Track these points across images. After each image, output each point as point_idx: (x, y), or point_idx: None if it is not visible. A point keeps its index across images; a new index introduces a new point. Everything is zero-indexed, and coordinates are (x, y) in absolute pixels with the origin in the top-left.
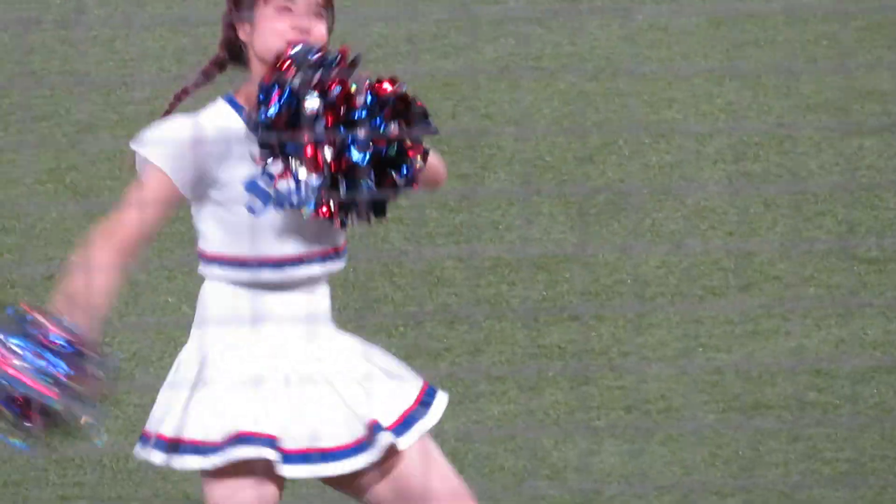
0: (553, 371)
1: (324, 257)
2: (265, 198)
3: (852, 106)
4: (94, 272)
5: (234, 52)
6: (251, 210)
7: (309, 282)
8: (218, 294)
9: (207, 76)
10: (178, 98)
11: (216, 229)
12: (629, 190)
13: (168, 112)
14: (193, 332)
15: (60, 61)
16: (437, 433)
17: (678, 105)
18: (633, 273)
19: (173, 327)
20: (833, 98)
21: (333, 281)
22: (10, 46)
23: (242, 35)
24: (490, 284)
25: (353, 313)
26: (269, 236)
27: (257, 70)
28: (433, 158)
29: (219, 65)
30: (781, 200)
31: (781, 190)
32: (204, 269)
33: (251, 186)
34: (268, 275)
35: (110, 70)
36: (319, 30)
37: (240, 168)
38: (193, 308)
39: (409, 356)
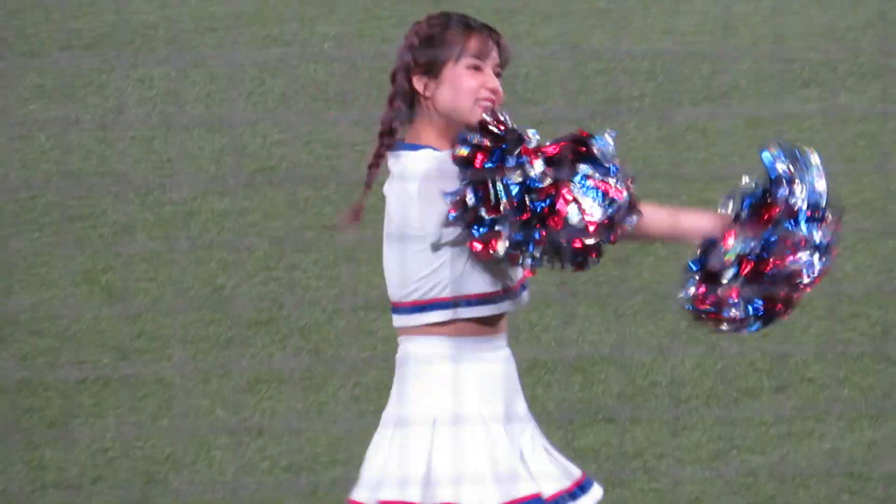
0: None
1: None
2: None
3: (889, 207)
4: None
5: (412, 107)
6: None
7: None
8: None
9: (392, 135)
10: (373, 171)
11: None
12: (666, 291)
13: (369, 180)
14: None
15: (98, 161)
16: None
17: (715, 206)
18: (669, 375)
19: (207, 431)
20: (870, 198)
21: (370, 383)
22: (47, 146)
23: (421, 88)
24: (526, 386)
25: None
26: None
27: (436, 124)
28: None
29: (401, 119)
30: (817, 302)
31: (816, 292)
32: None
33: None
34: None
35: (148, 170)
36: (501, 91)
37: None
38: (228, 411)
39: None
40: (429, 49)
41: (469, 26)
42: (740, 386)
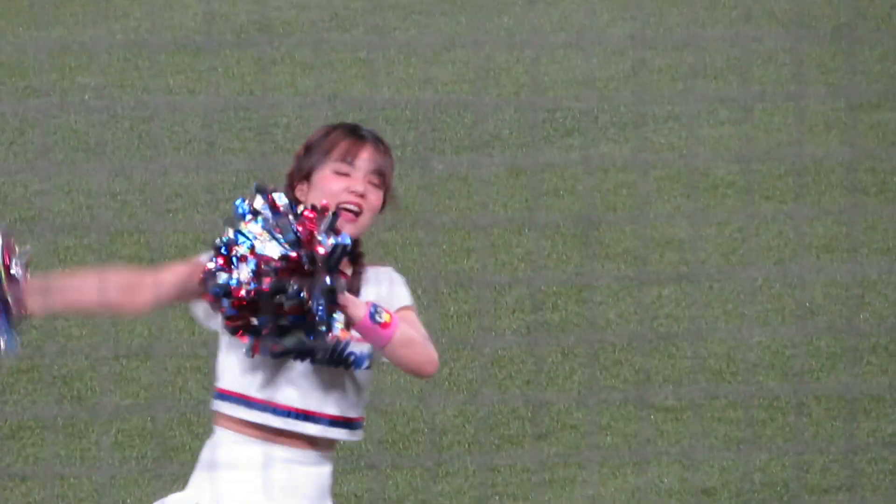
0: None
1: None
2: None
3: (650, 255)
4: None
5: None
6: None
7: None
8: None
9: None
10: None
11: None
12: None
13: None
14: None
15: None
16: None
17: (476, 254)
18: (430, 422)
19: None
20: (631, 247)
21: (133, 430)
22: None
23: (299, 194)
24: None
25: (150, 462)
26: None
27: None
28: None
29: None
30: (579, 350)
31: (579, 339)
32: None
33: None
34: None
35: None
36: (374, 197)
37: None
38: None
39: None
40: (304, 156)
41: (347, 133)
42: (502, 433)
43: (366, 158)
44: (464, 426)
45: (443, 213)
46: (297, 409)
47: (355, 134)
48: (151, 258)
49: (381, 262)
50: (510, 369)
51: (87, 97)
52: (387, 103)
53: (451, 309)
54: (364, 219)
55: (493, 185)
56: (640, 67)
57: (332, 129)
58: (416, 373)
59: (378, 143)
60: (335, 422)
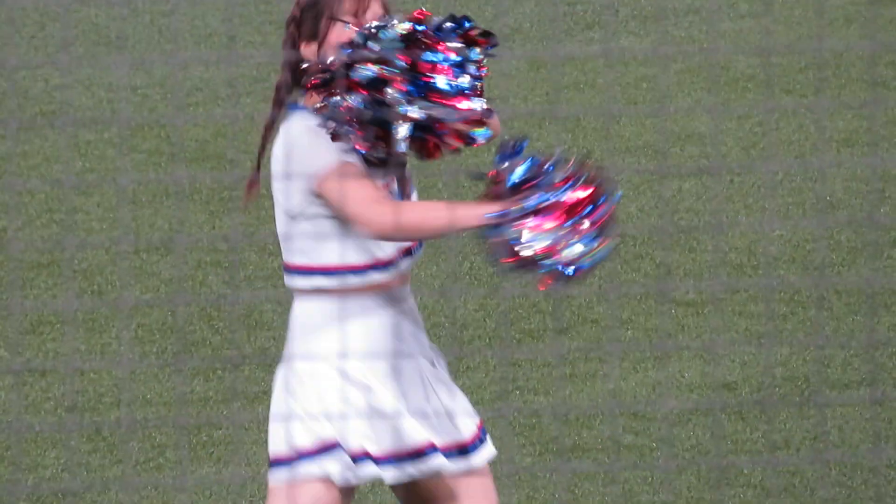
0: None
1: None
2: None
3: (671, 149)
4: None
5: (296, 76)
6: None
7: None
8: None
9: (281, 104)
10: (265, 136)
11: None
12: None
13: (262, 146)
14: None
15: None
16: None
17: (496, 148)
18: (451, 316)
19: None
20: (652, 141)
21: (153, 324)
22: None
23: (309, 54)
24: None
25: (170, 356)
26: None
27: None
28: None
29: (287, 89)
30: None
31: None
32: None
33: None
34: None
35: None
36: None
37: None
38: (11, 352)
39: (226, 399)
40: (309, 14)
41: None
42: (523, 327)
43: (374, 9)
44: (484, 320)
45: None
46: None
47: None
48: (172, 152)
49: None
50: None
51: None
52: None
53: None
54: None
55: (514, 79)
56: None
57: None
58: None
59: None
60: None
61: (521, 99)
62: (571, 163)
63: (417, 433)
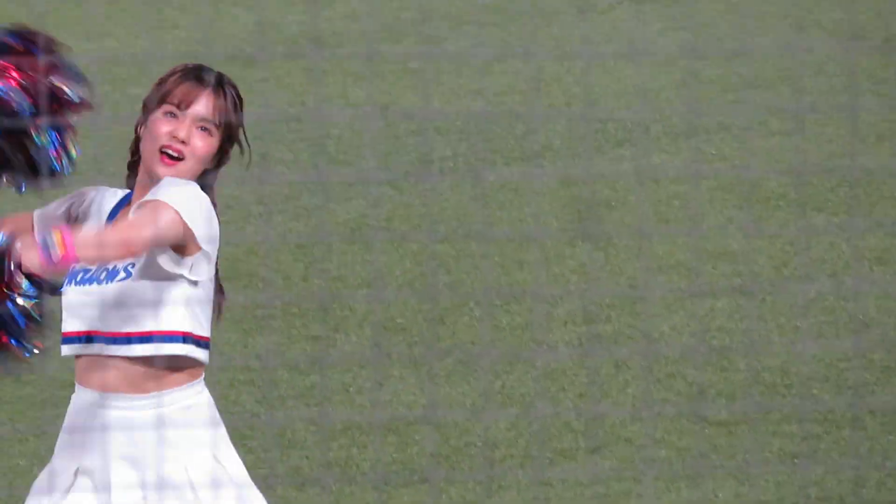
0: None
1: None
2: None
3: (703, 267)
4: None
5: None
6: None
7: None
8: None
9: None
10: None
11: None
12: (480, 352)
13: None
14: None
15: None
16: None
17: (529, 267)
18: (483, 435)
19: (26, 490)
20: (684, 259)
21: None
22: None
23: (139, 129)
24: (341, 447)
25: None
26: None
27: (142, 165)
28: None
29: (128, 166)
30: (632, 362)
31: (632, 352)
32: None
33: None
34: None
35: None
36: (200, 143)
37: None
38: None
39: None
40: (150, 95)
41: (187, 77)
42: (555, 446)
43: (201, 104)
44: (517, 440)
45: (494, 224)
46: None
47: (196, 78)
48: None
49: None
50: (563, 382)
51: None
52: (438, 114)
53: (504, 321)
54: (187, 165)
55: (545, 197)
56: (691, 78)
57: (176, 71)
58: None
59: (220, 89)
60: None
61: (552, 217)
62: None
63: None
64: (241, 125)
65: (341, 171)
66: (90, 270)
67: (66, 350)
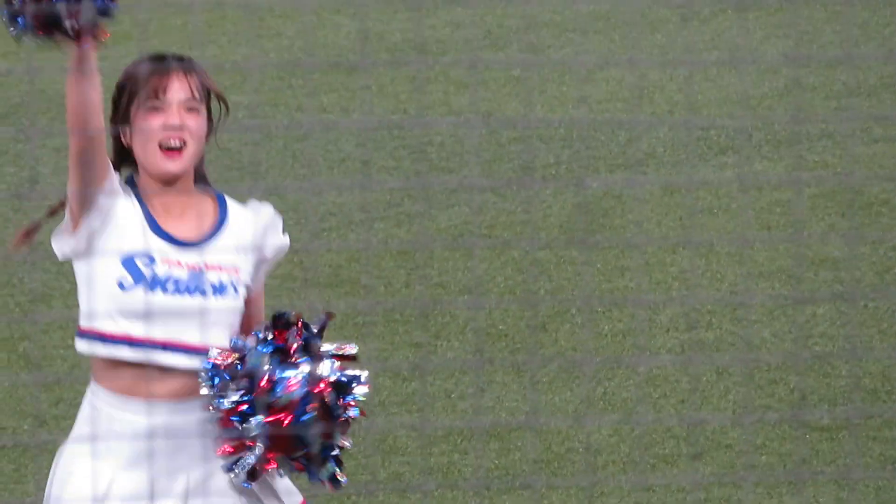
0: None
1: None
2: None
3: (805, 274)
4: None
5: (125, 158)
6: (120, 285)
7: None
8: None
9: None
10: (58, 208)
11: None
12: (581, 358)
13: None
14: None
15: (14, 230)
16: None
17: (631, 273)
18: (586, 441)
19: None
20: (786, 266)
21: None
22: None
23: (125, 141)
24: (443, 453)
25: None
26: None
27: (144, 174)
28: None
29: (127, 182)
30: (734, 369)
31: (734, 358)
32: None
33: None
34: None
35: None
36: (194, 124)
37: (123, 242)
38: None
39: None
40: (119, 98)
41: (150, 68)
42: (657, 452)
43: (176, 88)
44: (618, 445)
45: (597, 231)
46: None
47: (157, 65)
48: (305, 278)
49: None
50: (665, 388)
51: (240, 116)
52: (541, 122)
53: (606, 328)
54: (190, 150)
55: (648, 204)
56: (793, 86)
57: (136, 66)
58: None
59: (182, 66)
60: None
61: (654, 224)
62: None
63: None
64: (214, 88)
65: (443, 178)
66: (183, 281)
67: (125, 353)
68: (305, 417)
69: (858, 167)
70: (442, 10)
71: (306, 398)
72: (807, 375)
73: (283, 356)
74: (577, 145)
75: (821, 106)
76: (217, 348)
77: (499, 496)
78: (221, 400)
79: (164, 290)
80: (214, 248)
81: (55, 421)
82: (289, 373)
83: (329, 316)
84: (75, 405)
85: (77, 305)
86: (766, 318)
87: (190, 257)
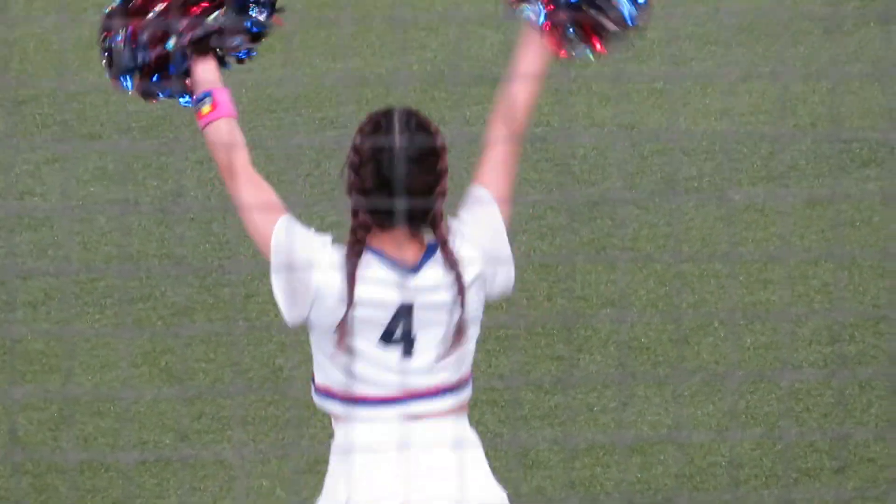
0: None
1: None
2: None
3: None
4: None
5: None
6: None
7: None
8: None
9: None
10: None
11: None
12: (724, 372)
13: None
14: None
15: (157, 244)
16: None
17: (774, 286)
18: (728, 455)
19: None
20: None
21: None
22: (106, 228)
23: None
24: (585, 467)
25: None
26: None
27: None
28: None
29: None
30: (877, 382)
31: (877, 372)
32: None
33: None
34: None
35: (206, 252)
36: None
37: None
38: (288, 491)
39: None
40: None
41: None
42: (800, 466)
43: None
44: (761, 459)
45: (740, 244)
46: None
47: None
48: None
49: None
50: (808, 402)
51: None
52: (684, 134)
53: (748, 341)
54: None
55: (790, 217)
56: None
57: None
58: None
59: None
60: None
61: (797, 236)
62: None
63: None
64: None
65: (586, 190)
66: None
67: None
68: None
69: None
70: None
71: None
72: None
73: None
74: (720, 158)
75: None
76: None
77: None
78: None
79: None
80: None
81: (197, 435)
82: None
83: None
84: (217, 419)
85: (219, 319)
86: None
87: None
